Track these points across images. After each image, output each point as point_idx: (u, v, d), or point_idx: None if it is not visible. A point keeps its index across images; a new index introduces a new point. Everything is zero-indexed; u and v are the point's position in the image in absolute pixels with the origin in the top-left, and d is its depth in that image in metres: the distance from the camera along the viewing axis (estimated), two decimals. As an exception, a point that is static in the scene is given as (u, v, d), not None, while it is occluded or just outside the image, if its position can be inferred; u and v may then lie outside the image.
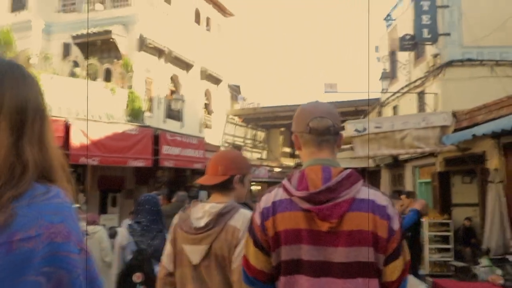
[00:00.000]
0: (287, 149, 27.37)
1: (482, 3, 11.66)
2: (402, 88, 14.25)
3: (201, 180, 2.11)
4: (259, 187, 22.81)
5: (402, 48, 13.01)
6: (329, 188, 1.37)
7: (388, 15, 17.46)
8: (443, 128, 8.09)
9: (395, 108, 15.43)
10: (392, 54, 15.91)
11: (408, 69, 14.10)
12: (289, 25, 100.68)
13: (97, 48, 14.46)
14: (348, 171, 1.44)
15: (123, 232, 3.47)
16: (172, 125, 15.86)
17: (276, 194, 1.48)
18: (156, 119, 15.25)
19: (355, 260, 1.34)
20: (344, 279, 1.34)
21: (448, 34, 11.74)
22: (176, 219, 2.10)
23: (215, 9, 20.30)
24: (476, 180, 9.80)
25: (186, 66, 17.18)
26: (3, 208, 0.80)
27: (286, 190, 1.46)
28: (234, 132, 22.09)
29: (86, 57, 14.08)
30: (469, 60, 11.49)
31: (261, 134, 25.51)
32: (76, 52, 14.63)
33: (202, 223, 1.96)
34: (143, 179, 13.98)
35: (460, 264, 7.80)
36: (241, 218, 1.94)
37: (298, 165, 20.91)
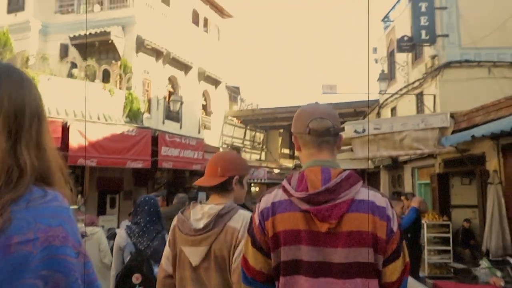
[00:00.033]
0: (286, 151, 27.37)
1: (479, 5, 11.69)
2: (401, 90, 14.27)
3: (199, 182, 2.11)
4: (257, 189, 22.79)
5: (400, 50, 13.03)
6: (328, 189, 1.38)
7: (386, 16, 17.48)
8: (442, 129, 8.10)
9: (393, 109, 15.45)
10: (390, 56, 15.93)
11: (406, 70, 14.12)
12: (287, 26, 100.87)
13: (95, 49, 14.45)
14: (347, 172, 1.44)
15: (121, 234, 3.46)
16: (171, 126, 15.86)
17: (276, 195, 1.49)
18: (154, 120, 15.25)
19: (354, 261, 1.35)
20: (343, 280, 1.35)
21: (446, 36, 11.77)
22: (175, 221, 2.10)
23: (213, 10, 20.32)
24: (475, 181, 9.80)
25: (184, 67, 17.19)
26: (1, 212, 0.81)
27: (285, 191, 1.46)
28: (232, 133, 22.09)
29: (84, 58, 14.07)
30: (467, 61, 11.52)
31: (260, 135, 25.51)
32: (74, 53, 14.62)
33: (201, 224, 1.96)
34: (142, 181, 13.96)
35: (460, 266, 7.80)
36: (240, 219, 1.94)
37: (297, 166, 20.94)
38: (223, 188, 2.05)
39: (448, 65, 11.54)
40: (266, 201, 1.49)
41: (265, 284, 1.48)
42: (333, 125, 1.51)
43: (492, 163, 8.24)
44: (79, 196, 9.81)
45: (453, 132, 8.05)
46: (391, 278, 1.39)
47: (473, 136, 6.91)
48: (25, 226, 0.81)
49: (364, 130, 8.52)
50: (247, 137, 23.83)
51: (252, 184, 21.34)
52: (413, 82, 13.33)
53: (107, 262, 5.26)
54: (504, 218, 7.54)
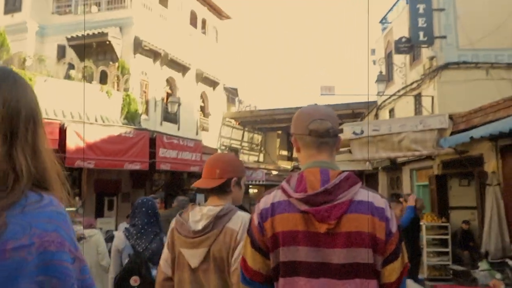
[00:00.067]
0: (284, 152, 27.38)
1: (477, 6, 11.74)
2: (399, 91, 14.29)
3: (198, 184, 2.11)
4: (256, 190, 22.78)
5: (398, 51, 13.05)
6: (327, 190, 1.38)
7: (384, 18, 17.53)
8: (441, 130, 8.11)
9: (391, 111, 15.47)
10: (388, 57, 15.96)
11: (404, 71, 14.14)
12: (286, 27, 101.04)
13: (92, 50, 14.43)
14: (346, 173, 1.45)
15: (119, 236, 3.45)
16: (168, 128, 15.84)
17: (275, 195, 1.49)
18: (152, 122, 15.23)
19: (353, 262, 1.36)
20: (342, 280, 1.35)
21: (444, 37, 11.80)
22: (173, 223, 2.09)
23: (211, 11, 20.32)
24: (473, 183, 9.80)
25: (182, 68, 17.18)
26: None
27: (284, 191, 1.47)
28: (230, 135, 22.09)
29: (82, 60, 14.03)
30: (465, 62, 11.55)
31: (258, 137, 25.51)
32: (71, 54, 14.59)
33: (200, 226, 1.96)
34: (140, 182, 13.92)
35: (459, 268, 7.79)
36: (239, 220, 1.95)
37: (295, 168, 20.91)
38: (221, 190, 2.06)
39: (446, 66, 11.58)
40: (265, 201, 1.50)
41: (263, 284, 1.49)
42: (332, 127, 1.52)
43: (491, 165, 8.24)
44: (77, 198, 9.77)
45: (452, 134, 8.06)
46: (390, 279, 1.39)
47: (471, 138, 6.92)
48: (21, 231, 0.80)
49: (362, 132, 8.52)
50: (245, 139, 23.83)
51: (250, 186, 21.34)
52: (411, 84, 13.36)
53: (105, 265, 5.24)
54: (503, 220, 7.54)
